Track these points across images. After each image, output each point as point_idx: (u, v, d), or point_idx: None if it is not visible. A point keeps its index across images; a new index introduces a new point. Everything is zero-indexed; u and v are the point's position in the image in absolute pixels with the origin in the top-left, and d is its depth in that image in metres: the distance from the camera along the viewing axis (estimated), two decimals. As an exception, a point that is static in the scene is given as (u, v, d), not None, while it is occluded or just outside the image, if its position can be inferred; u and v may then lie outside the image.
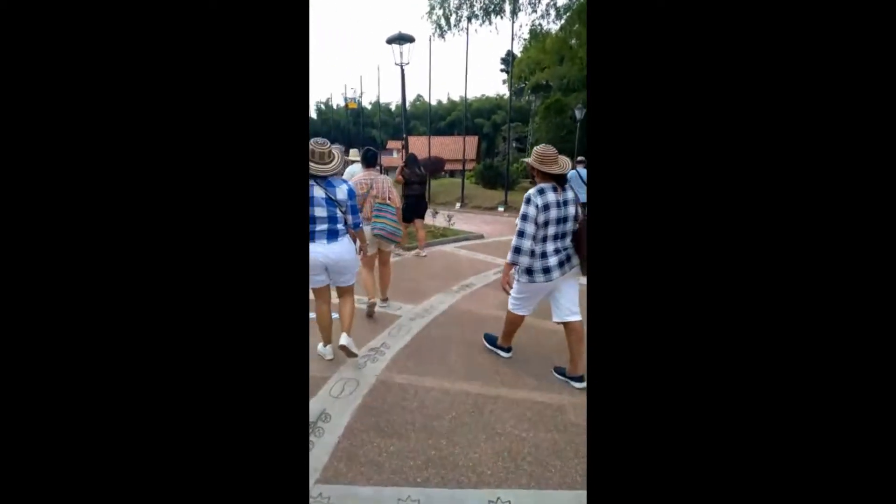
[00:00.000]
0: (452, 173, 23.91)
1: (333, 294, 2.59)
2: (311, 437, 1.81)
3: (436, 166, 21.11)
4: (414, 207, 5.10)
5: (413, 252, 5.40)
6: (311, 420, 1.93)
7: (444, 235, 6.62)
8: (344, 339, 2.39)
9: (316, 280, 2.37)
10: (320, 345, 2.61)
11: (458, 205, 11.92)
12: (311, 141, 2.26)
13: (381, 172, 3.42)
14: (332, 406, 2.05)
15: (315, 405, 2.05)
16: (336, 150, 2.36)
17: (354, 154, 4.90)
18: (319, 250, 2.27)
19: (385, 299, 3.48)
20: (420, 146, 23.54)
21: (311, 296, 2.49)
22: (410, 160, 5.26)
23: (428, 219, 8.65)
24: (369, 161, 3.28)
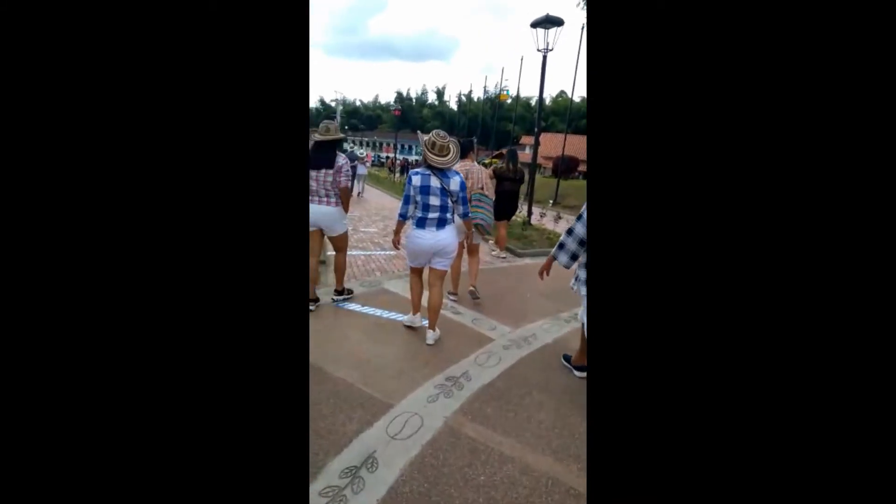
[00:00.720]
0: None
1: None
2: (347, 492, 1.46)
3: (567, 166, 19.78)
4: (500, 206, 4.53)
5: (494, 252, 5.19)
6: (355, 464, 1.59)
7: (563, 245, 5.83)
8: (430, 338, 2.61)
9: (419, 262, 2.59)
10: (410, 315, 2.80)
11: (586, 211, 10.76)
12: (433, 133, 2.46)
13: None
14: (385, 450, 1.67)
15: (367, 442, 1.70)
16: (453, 143, 2.46)
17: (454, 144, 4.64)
18: (428, 237, 2.46)
19: (473, 288, 3.43)
20: (555, 143, 22.31)
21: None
22: (509, 155, 4.89)
23: (549, 224, 7.96)
24: (464, 151, 3.20)
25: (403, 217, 2.51)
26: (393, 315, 2.98)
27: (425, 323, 2.68)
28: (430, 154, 2.41)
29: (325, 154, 2.77)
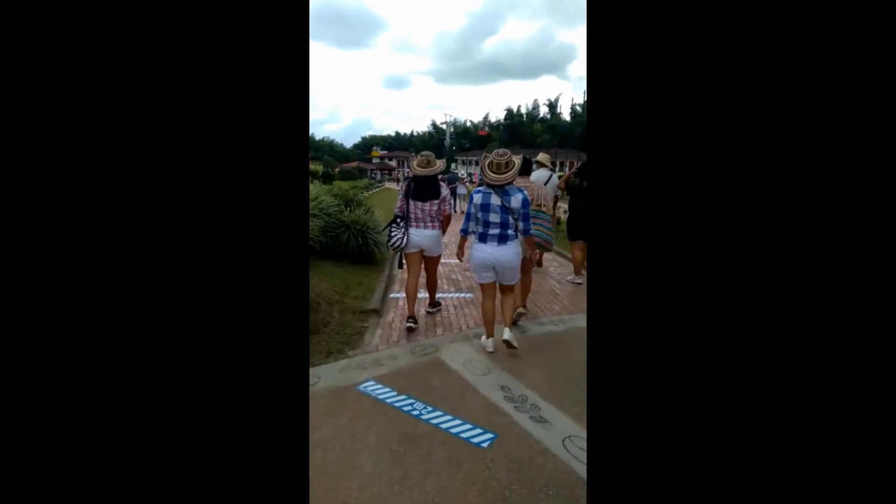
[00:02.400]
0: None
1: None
2: None
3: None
4: (574, 225, 4.34)
5: (569, 277, 4.55)
6: None
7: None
8: (507, 334, 2.56)
9: (485, 276, 2.58)
10: (483, 337, 2.67)
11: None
12: (494, 153, 2.52)
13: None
14: None
15: None
16: (517, 159, 2.58)
17: (545, 159, 4.34)
18: (489, 251, 2.50)
19: (524, 306, 3.18)
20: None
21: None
22: (582, 168, 4.39)
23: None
24: (523, 169, 3.07)
25: (464, 233, 2.64)
26: (437, 417, 1.96)
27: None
28: (488, 173, 2.46)
29: (430, 186, 2.91)
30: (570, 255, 4.82)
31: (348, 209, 4.83)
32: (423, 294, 3.32)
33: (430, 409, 2.02)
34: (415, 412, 2.00)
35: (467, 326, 3.13)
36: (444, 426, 1.89)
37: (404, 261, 3.09)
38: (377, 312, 3.26)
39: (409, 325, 2.92)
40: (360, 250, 4.54)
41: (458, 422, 1.92)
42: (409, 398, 2.11)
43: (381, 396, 2.13)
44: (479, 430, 1.87)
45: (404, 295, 3.07)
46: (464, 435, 1.84)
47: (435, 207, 2.91)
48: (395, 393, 2.16)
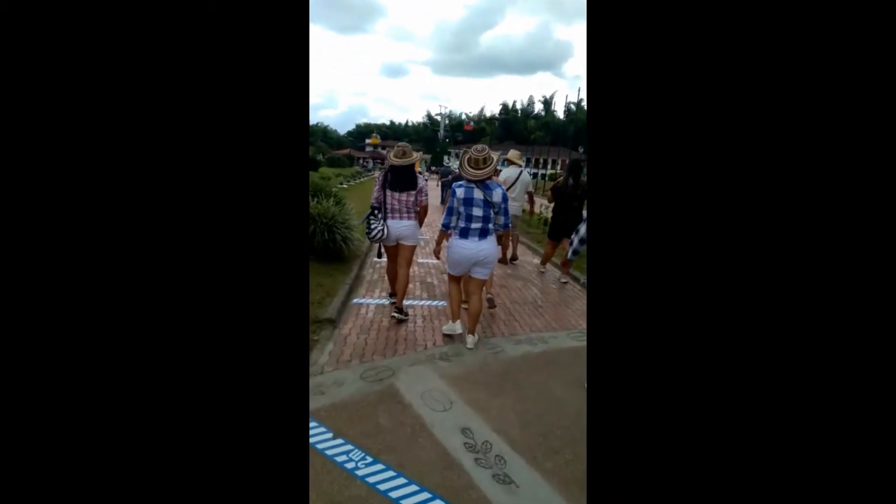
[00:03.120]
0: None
1: None
2: None
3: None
4: (559, 226, 4.33)
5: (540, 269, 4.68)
6: None
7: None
8: (470, 343, 2.67)
9: (459, 270, 2.66)
10: (450, 322, 2.81)
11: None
12: (472, 149, 2.59)
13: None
14: None
15: None
16: (496, 154, 2.76)
17: (515, 156, 4.60)
18: (471, 247, 2.54)
19: (489, 297, 3.40)
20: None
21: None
22: (570, 168, 4.24)
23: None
24: None
25: (446, 227, 2.61)
26: (376, 474, 1.56)
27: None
28: (467, 168, 2.49)
29: (407, 177, 2.89)
30: (553, 258, 4.83)
31: (315, 200, 4.38)
32: (384, 300, 2.93)
33: (369, 459, 1.63)
34: (349, 464, 1.60)
35: (434, 344, 2.73)
36: (381, 487, 1.50)
37: (383, 250, 3.13)
38: (332, 323, 2.85)
39: (391, 301, 3.24)
40: (326, 246, 4.11)
41: (401, 480, 1.54)
42: (347, 443, 1.71)
43: (311, 439, 1.72)
44: (426, 495, 1.48)
45: (367, 301, 3.29)
46: (405, 502, 1.45)
47: (412, 198, 2.91)
48: (330, 435, 1.76)
